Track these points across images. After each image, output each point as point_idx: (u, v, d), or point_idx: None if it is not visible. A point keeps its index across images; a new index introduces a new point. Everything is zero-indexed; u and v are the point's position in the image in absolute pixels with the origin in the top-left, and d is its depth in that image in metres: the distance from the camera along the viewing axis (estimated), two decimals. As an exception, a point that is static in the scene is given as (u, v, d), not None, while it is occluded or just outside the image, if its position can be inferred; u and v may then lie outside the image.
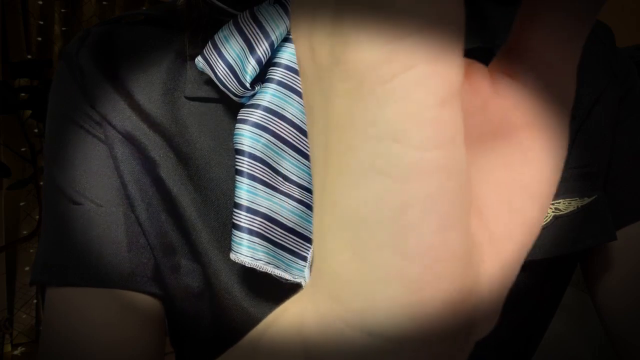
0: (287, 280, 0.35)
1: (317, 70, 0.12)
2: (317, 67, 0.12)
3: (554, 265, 0.40)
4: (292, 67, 0.35)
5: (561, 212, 0.38)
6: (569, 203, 0.38)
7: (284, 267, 0.34)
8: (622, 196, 0.42)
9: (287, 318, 0.15)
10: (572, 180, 0.39)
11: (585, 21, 0.14)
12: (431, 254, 0.11)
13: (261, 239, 0.33)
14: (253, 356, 0.15)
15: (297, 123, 0.35)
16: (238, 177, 0.34)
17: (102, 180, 0.39)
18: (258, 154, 0.34)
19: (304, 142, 0.35)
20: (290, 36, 0.35)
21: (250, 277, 0.37)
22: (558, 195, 0.38)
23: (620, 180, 0.42)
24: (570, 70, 0.14)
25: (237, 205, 0.33)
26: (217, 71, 0.35)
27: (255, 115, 0.34)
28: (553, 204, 0.38)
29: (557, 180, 0.14)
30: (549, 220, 0.38)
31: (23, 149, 1.68)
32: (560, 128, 0.14)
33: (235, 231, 0.33)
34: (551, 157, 0.14)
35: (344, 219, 0.12)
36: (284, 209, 0.34)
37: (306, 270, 0.35)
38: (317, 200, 0.14)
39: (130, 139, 0.39)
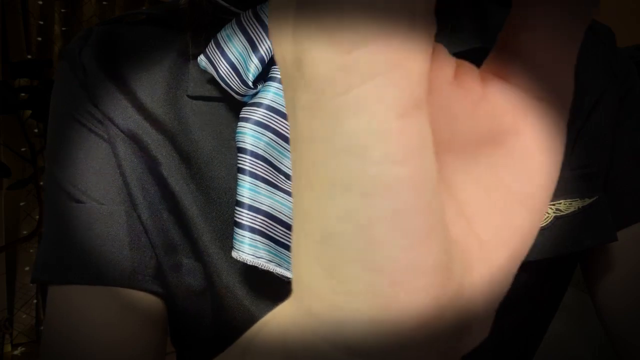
0: (289, 278, 0.35)
1: (287, 79, 0.12)
2: (287, 77, 0.12)
3: (554, 265, 0.40)
4: None
5: (562, 213, 0.38)
6: (569, 204, 0.38)
7: (285, 265, 0.34)
8: (623, 197, 0.42)
9: (271, 328, 0.15)
10: (573, 181, 0.39)
11: (580, 21, 0.13)
12: (400, 270, 0.11)
13: (263, 237, 0.33)
14: None
15: None
16: (240, 175, 0.34)
17: (104, 179, 0.39)
18: (260, 152, 0.34)
19: None
20: None
21: (252, 275, 0.37)
22: (559, 195, 0.38)
23: (620, 181, 0.42)
24: (566, 72, 0.14)
25: (239, 203, 0.34)
26: (219, 70, 0.35)
27: (258, 114, 0.34)
28: (554, 205, 0.38)
29: (552, 185, 0.14)
30: (549, 220, 0.38)
31: (23, 149, 1.68)
32: (556, 132, 0.14)
33: (237, 229, 0.33)
34: (544, 163, 0.14)
35: (314, 234, 0.12)
36: (286, 207, 0.34)
37: None
38: (293, 211, 0.13)
39: (132, 138, 0.39)
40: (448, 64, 0.14)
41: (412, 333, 0.12)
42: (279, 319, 0.15)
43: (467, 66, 0.14)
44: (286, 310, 0.14)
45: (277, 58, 0.12)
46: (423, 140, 0.11)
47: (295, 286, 0.13)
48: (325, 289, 0.12)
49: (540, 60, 0.14)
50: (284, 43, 0.12)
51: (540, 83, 0.14)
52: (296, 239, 0.13)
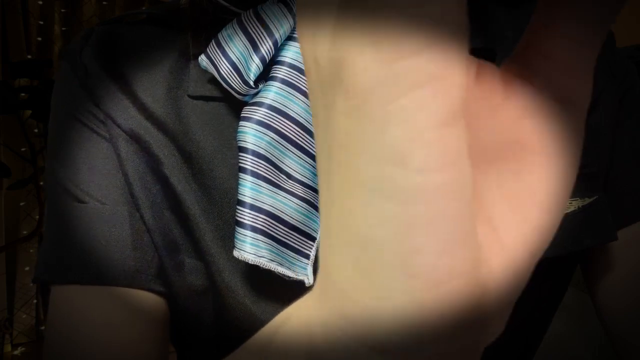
0: (290, 277, 0.35)
1: (321, 83, 0.12)
2: (321, 79, 0.12)
3: (554, 265, 0.40)
4: (295, 66, 0.35)
5: None
6: (569, 203, 0.38)
7: (287, 264, 0.34)
8: (622, 196, 0.42)
9: (294, 326, 0.15)
10: None
11: (601, 28, 0.14)
12: (436, 274, 0.11)
13: (264, 236, 0.33)
14: None
15: (301, 121, 0.35)
16: (241, 175, 0.34)
17: (107, 179, 0.39)
18: (262, 151, 0.34)
19: (308, 141, 0.35)
20: (294, 35, 0.35)
21: (253, 275, 0.37)
22: None
23: (620, 181, 0.42)
24: (586, 76, 0.14)
25: (241, 203, 0.34)
26: (220, 70, 0.35)
27: (259, 113, 0.34)
28: None
29: (570, 187, 0.14)
30: None
31: (23, 149, 1.68)
32: (574, 134, 0.14)
33: (239, 228, 0.33)
34: (562, 165, 0.14)
35: (350, 238, 0.12)
36: (288, 206, 0.35)
37: (309, 267, 0.36)
38: (323, 213, 0.14)
39: (134, 138, 0.39)
40: (470, 66, 0.14)
41: (444, 333, 0.12)
42: (301, 318, 0.15)
43: (489, 67, 0.15)
44: (309, 310, 0.15)
45: (306, 57, 0.13)
46: (461, 149, 0.11)
47: (326, 289, 0.14)
48: (360, 292, 0.12)
49: (562, 65, 0.14)
50: (319, 44, 0.12)
51: (561, 87, 0.14)
52: (329, 242, 0.13)
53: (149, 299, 0.39)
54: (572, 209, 0.38)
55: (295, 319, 0.15)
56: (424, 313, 0.12)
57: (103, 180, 0.39)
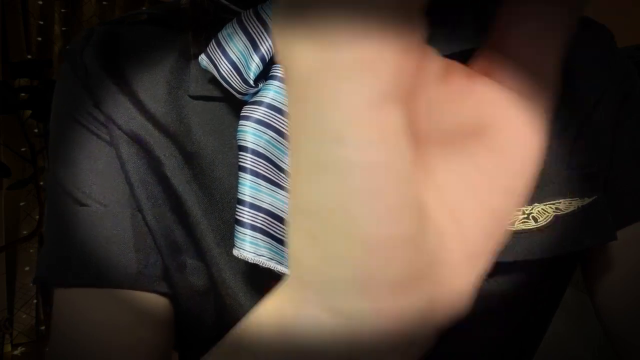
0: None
1: (283, 77, 0.14)
2: (283, 74, 0.13)
3: (553, 265, 0.40)
4: None
5: (562, 212, 0.38)
6: (569, 203, 0.38)
7: (286, 263, 0.34)
8: (623, 197, 0.42)
9: (265, 309, 0.16)
10: (572, 180, 0.39)
11: (568, 16, 0.14)
12: (375, 241, 0.13)
13: (264, 235, 0.33)
14: (236, 351, 0.16)
15: None
16: (241, 174, 0.34)
17: (108, 181, 0.39)
18: (261, 150, 0.34)
19: None
20: None
21: (254, 275, 0.38)
22: (559, 195, 0.38)
23: (620, 181, 0.42)
24: (550, 68, 0.15)
25: (240, 201, 0.34)
26: (220, 69, 0.35)
27: (259, 112, 0.34)
28: (554, 204, 0.38)
29: (531, 174, 0.15)
30: (549, 220, 0.38)
31: (23, 149, 1.68)
32: (536, 124, 0.15)
33: (238, 227, 0.33)
34: (523, 151, 0.15)
35: (300, 210, 0.14)
36: (287, 205, 0.35)
37: None
38: (288, 195, 0.15)
39: (135, 139, 0.39)
40: (435, 64, 0.15)
41: (389, 297, 0.13)
42: (274, 302, 0.16)
43: (455, 65, 0.16)
44: (281, 293, 0.16)
45: (276, 58, 0.14)
46: (396, 129, 0.12)
47: (290, 265, 0.15)
48: (312, 258, 0.14)
49: (525, 56, 0.15)
50: (275, 43, 0.13)
51: (523, 79, 0.15)
52: (290, 220, 0.14)
53: (152, 300, 0.39)
54: (572, 209, 0.38)
55: (267, 304, 0.16)
56: (367, 277, 0.13)
57: (105, 182, 0.39)
